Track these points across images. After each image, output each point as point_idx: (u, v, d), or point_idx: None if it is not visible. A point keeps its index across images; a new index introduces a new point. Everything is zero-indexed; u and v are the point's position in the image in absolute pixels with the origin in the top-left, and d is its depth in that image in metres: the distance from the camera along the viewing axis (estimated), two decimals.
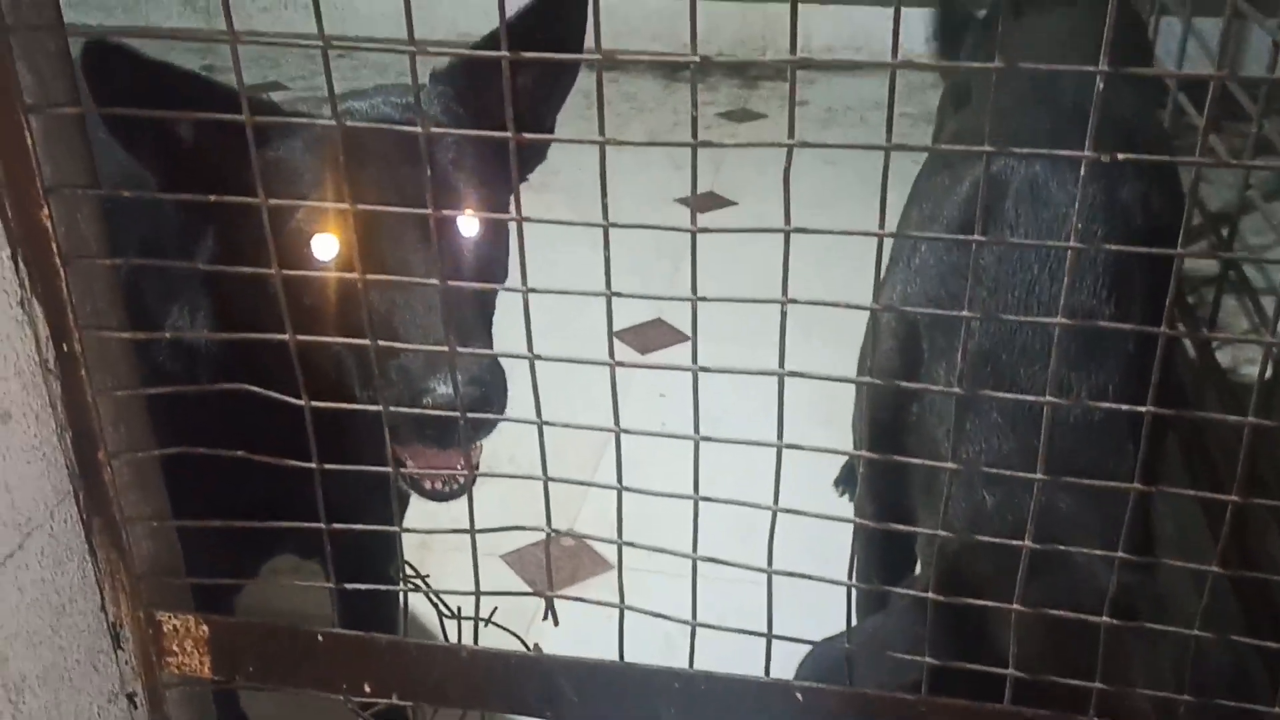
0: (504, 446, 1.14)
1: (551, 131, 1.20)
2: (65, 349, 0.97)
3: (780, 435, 0.93)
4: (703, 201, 3.73)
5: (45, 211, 0.92)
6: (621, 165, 0.87)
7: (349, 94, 1.21)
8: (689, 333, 2.34)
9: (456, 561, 1.12)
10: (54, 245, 0.94)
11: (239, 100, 1.05)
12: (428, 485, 1.08)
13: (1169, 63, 2.89)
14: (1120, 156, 0.80)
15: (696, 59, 0.82)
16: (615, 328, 0.95)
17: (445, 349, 0.90)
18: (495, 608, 1.17)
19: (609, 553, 2.18)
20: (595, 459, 2.31)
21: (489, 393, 1.00)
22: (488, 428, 1.01)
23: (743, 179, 3.66)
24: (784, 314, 0.89)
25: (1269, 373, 1.92)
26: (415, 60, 0.85)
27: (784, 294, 0.89)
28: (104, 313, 1.00)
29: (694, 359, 0.92)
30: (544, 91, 1.16)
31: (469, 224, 1.09)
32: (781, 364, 0.91)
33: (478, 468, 1.07)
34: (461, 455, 1.03)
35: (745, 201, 3.56)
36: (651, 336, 3.04)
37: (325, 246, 1.06)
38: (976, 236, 0.85)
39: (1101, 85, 0.77)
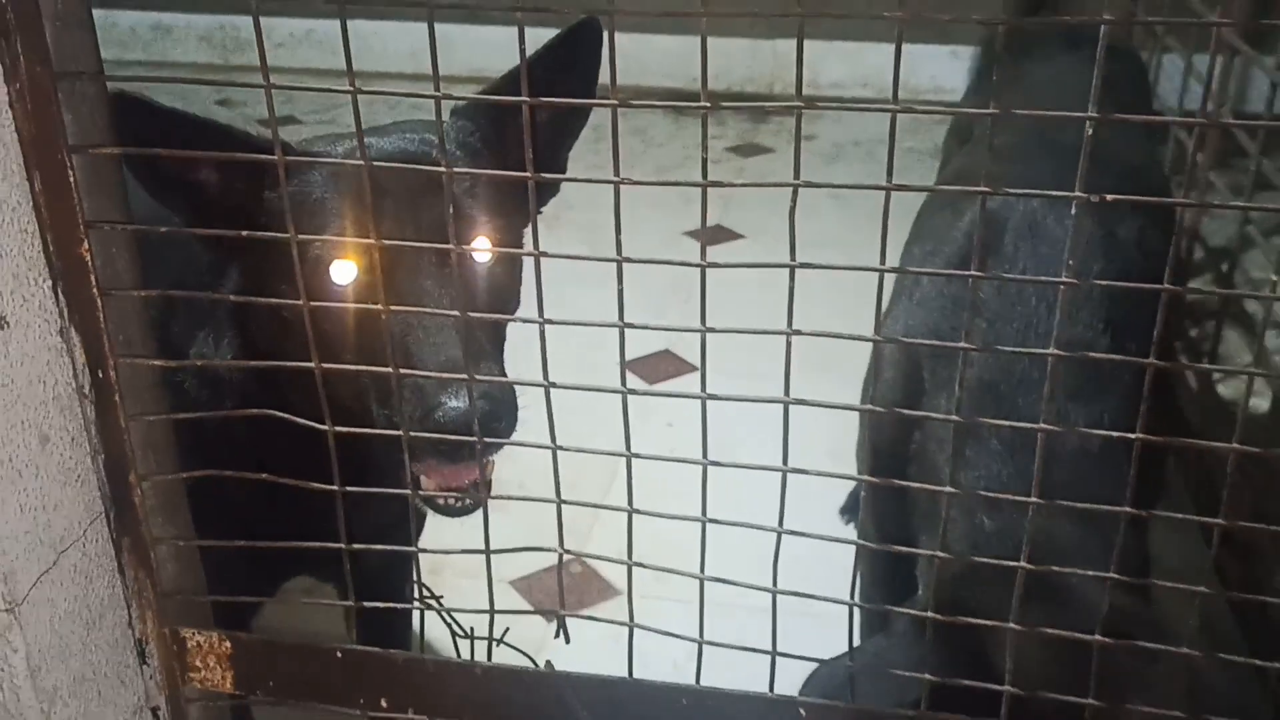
0: (515, 475, 1.19)
1: (564, 164, 1.25)
2: (100, 376, 1.01)
3: (785, 460, 0.97)
4: (711, 235, 3.78)
5: (85, 246, 0.97)
6: (632, 199, 0.91)
7: (368, 130, 1.26)
8: (697, 364, 2.38)
9: (467, 587, 1.16)
10: (92, 278, 0.98)
11: (253, 143, 1.11)
12: (442, 501, 1.12)
13: (1172, 100, 2.93)
14: (1110, 197, 0.85)
15: (707, 105, 0.87)
16: (625, 359, 1.00)
17: (461, 371, 0.95)
18: (507, 629, 1.21)
19: (617, 580, 2.21)
20: (605, 488, 2.35)
21: (500, 409, 1.04)
22: (499, 443, 1.06)
23: (751, 213, 3.71)
24: (789, 344, 0.93)
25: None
26: (440, 105, 0.90)
27: (789, 325, 0.93)
28: (136, 343, 1.05)
29: (703, 386, 0.96)
30: (558, 128, 1.21)
31: (482, 254, 1.14)
32: (786, 392, 0.95)
33: (490, 485, 1.11)
34: (475, 470, 1.08)
35: (753, 235, 3.61)
36: (660, 367, 3.08)
37: (344, 273, 1.11)
38: (974, 271, 0.89)
39: (1091, 130, 0.81)
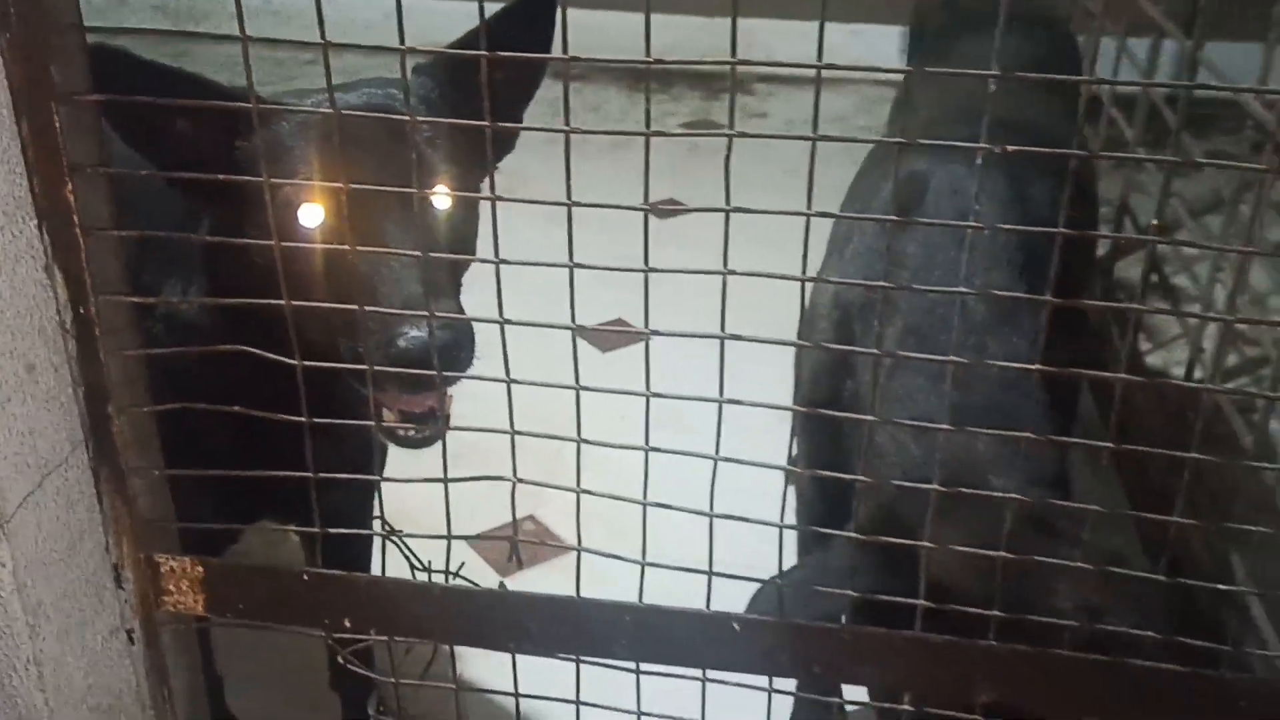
0: (471, 437, 1.26)
1: (518, 119, 1.33)
2: (82, 312, 1.08)
3: (721, 391, 1.06)
4: (664, 205, 3.87)
5: (69, 188, 1.03)
6: (585, 173, 0.99)
7: (335, 87, 1.33)
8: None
9: (421, 544, 1.24)
10: (75, 218, 1.05)
11: (226, 93, 1.18)
12: (402, 433, 1.19)
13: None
14: (1011, 149, 0.94)
15: (650, 61, 0.95)
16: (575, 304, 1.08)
17: (422, 305, 1.03)
18: (463, 563, 1.29)
19: (570, 537, 2.30)
20: (559, 447, 2.44)
21: (458, 339, 1.12)
22: (459, 370, 1.13)
23: (702, 187, 3.79)
24: (724, 284, 1.02)
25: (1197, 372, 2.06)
26: (405, 59, 0.98)
27: (725, 265, 1.02)
28: (114, 282, 1.11)
29: (645, 322, 1.04)
30: (514, 87, 1.29)
31: (441, 199, 1.22)
32: (722, 328, 1.03)
33: (448, 419, 1.18)
34: (434, 398, 1.15)
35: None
36: (614, 335, 3.16)
37: (312, 216, 1.18)
38: (897, 222, 0.99)
39: (993, 87, 0.91)
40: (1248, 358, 2.80)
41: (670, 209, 3.72)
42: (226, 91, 1.19)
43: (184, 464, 1.22)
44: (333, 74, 1.03)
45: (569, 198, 1.01)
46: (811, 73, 0.94)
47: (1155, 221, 1.04)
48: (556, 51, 1.03)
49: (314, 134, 1.19)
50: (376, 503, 1.41)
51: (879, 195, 1.51)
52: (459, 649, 1.37)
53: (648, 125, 0.99)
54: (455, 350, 1.12)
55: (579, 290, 1.04)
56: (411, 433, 1.20)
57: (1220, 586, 1.13)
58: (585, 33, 1.11)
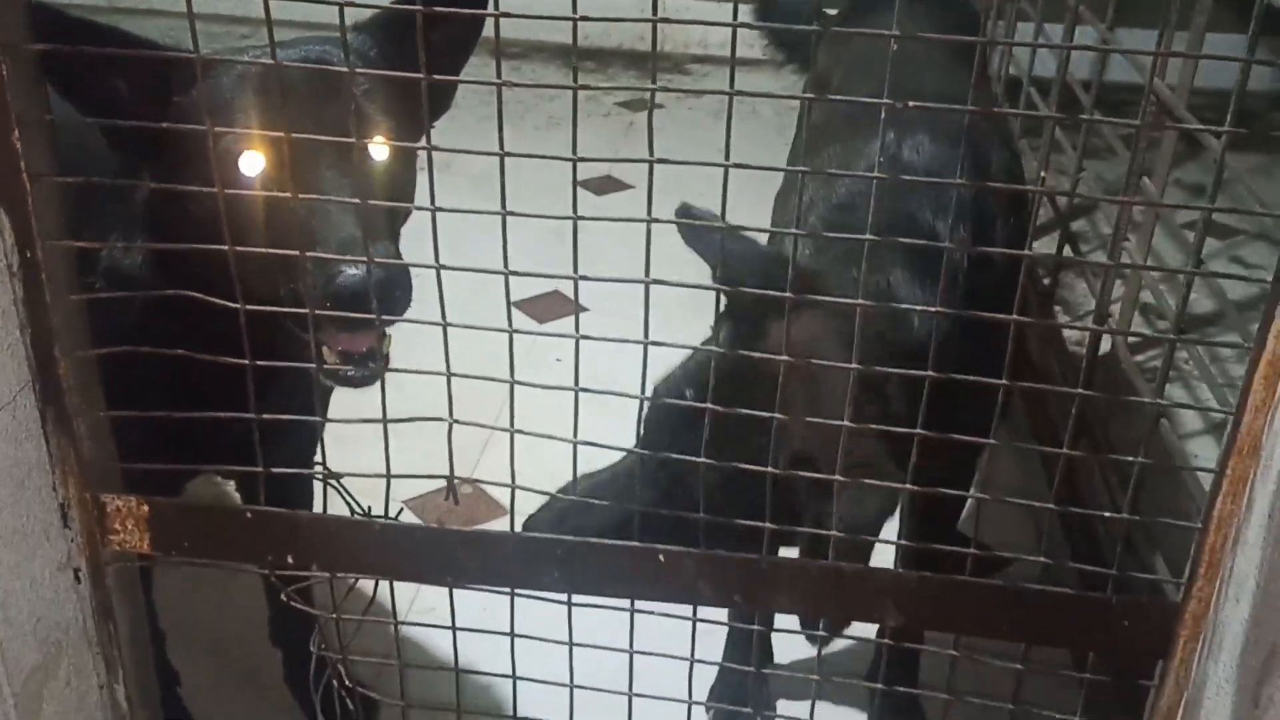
0: (410, 390, 1.31)
1: (454, 81, 1.38)
2: (29, 256, 1.11)
3: (646, 334, 1.13)
4: (601, 185, 3.93)
5: (15, 135, 1.07)
6: (522, 148, 1.05)
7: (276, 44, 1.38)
8: (584, 304, 2.55)
9: (361, 493, 1.29)
10: (21, 164, 1.08)
11: (162, 49, 1.22)
12: (342, 374, 1.24)
13: (1024, 65, 3.16)
14: (912, 104, 1.02)
15: (574, 16, 1.01)
16: (514, 299, 1.14)
17: (360, 248, 1.09)
18: (401, 508, 1.34)
19: (504, 499, 2.36)
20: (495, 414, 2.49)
21: (395, 276, 1.17)
22: (397, 311, 1.19)
23: (640, 166, 3.86)
24: (649, 231, 1.08)
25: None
26: (343, 11, 1.02)
27: (649, 213, 1.08)
28: (59, 228, 1.15)
29: (575, 268, 1.11)
30: (451, 47, 1.34)
31: (378, 150, 1.27)
32: (647, 273, 1.10)
33: (388, 359, 1.23)
34: (374, 339, 1.20)
35: (642, 184, 3.77)
36: (550, 307, 3.22)
37: (252, 164, 1.23)
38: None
39: (895, 46, 0.98)
40: (1157, 330, 2.94)
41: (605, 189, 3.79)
42: (164, 48, 1.22)
43: (125, 412, 1.26)
44: (275, 39, 1.07)
45: (501, 146, 1.07)
46: (747, 54, 1.00)
47: (1044, 174, 1.11)
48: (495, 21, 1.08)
49: (253, 85, 1.23)
50: (318, 450, 1.46)
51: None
52: (400, 589, 1.43)
53: (575, 80, 1.05)
54: (392, 289, 1.17)
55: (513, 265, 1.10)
56: (351, 372, 1.25)
57: (1106, 514, 1.22)
58: (520, 7, 1.18)
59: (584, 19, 1.01)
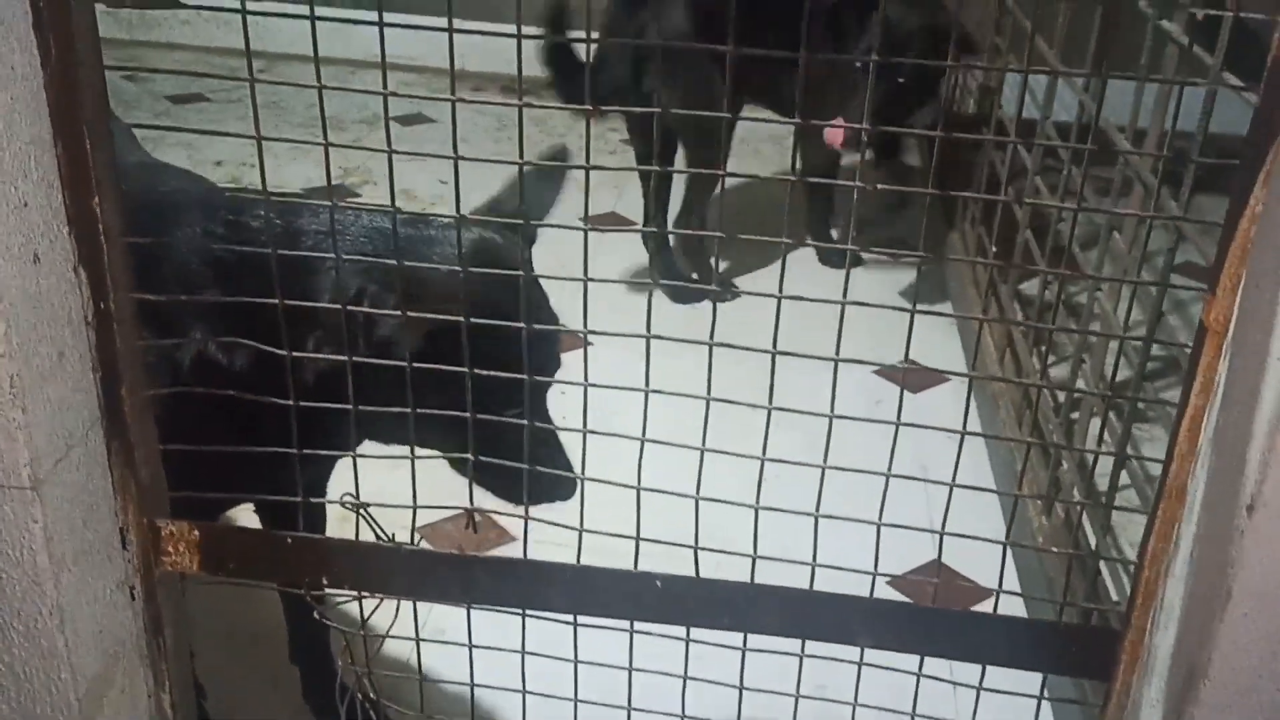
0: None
1: None
2: (102, 307, 1.26)
3: (649, 329, 1.27)
4: (605, 220, 4.08)
5: (95, 200, 1.22)
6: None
7: None
8: (591, 340, 2.69)
9: (385, 522, 1.43)
10: (100, 226, 1.23)
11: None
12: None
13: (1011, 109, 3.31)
14: None
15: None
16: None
17: None
18: (421, 537, 1.49)
19: (513, 528, 2.49)
20: None
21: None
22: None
23: (641, 209, 4.02)
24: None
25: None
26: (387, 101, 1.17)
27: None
28: (129, 282, 1.29)
29: (585, 271, 1.25)
30: None
31: None
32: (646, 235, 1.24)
33: None
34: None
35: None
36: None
37: None
38: None
39: None
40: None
41: (610, 229, 3.94)
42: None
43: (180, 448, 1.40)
44: (283, 91, 1.21)
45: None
46: None
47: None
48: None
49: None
50: (352, 479, 1.60)
51: None
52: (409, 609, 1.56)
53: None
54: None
55: None
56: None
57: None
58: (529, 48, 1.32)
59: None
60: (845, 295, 1.18)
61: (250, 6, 1.13)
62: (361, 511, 1.55)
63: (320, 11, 1.15)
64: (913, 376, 2.99)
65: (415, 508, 1.39)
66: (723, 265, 3.65)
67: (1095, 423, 2.26)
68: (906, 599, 2.16)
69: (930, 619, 1.33)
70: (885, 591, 2.19)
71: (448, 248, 1.43)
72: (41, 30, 1.13)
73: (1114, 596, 1.95)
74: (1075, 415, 2.32)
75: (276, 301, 1.26)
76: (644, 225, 3.65)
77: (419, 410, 1.29)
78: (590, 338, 1.28)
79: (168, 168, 1.81)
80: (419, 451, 1.37)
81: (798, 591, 1.32)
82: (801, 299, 1.20)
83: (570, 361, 1.47)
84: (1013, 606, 1.78)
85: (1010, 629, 1.31)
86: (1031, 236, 2.58)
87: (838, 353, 1.19)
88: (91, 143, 1.21)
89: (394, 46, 1.14)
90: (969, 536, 1.29)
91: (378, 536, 1.57)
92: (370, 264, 1.41)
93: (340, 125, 4.76)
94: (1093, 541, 2.00)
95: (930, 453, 1.95)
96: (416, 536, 1.46)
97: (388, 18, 1.12)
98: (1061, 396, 2.47)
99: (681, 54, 3.25)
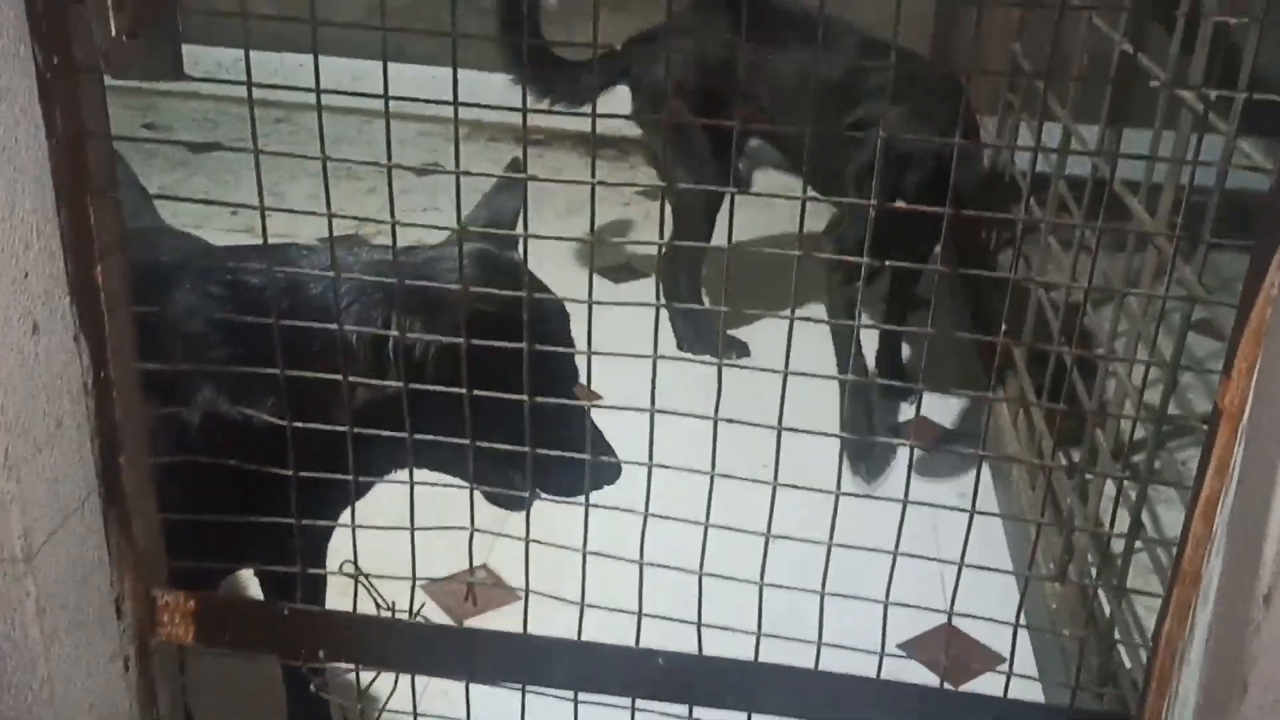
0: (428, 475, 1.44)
1: None
2: (102, 375, 1.25)
3: (650, 456, 1.25)
4: (618, 273, 4.08)
5: (97, 270, 1.21)
6: (540, 240, 1.20)
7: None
8: (598, 390, 2.66)
9: (386, 586, 1.41)
10: (101, 295, 1.22)
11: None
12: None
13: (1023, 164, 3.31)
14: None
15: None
16: None
17: None
18: (423, 604, 1.46)
19: (519, 583, 2.46)
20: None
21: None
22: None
23: (655, 252, 4.01)
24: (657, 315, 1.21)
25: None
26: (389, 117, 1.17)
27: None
28: (130, 351, 1.28)
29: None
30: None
31: None
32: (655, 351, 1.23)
33: None
34: None
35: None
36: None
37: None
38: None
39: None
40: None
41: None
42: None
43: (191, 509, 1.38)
44: (300, 135, 1.20)
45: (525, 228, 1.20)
46: None
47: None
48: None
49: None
50: (350, 547, 1.58)
51: None
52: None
53: (593, 173, 1.18)
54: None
55: None
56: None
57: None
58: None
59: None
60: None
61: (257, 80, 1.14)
62: (361, 579, 1.53)
63: (334, 62, 1.15)
64: (924, 432, 2.96)
65: (414, 579, 1.36)
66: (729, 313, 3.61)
67: (1111, 483, 2.23)
68: (917, 663, 2.12)
69: (940, 701, 1.30)
70: (895, 656, 2.15)
71: (451, 263, 1.43)
72: (48, 101, 1.13)
73: (1128, 664, 1.90)
74: (1090, 477, 2.28)
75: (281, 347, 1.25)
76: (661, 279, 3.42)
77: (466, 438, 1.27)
78: (598, 389, 1.26)
79: (166, 231, 1.81)
80: (421, 516, 1.34)
81: (803, 671, 1.29)
82: (812, 375, 1.19)
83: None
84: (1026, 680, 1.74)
85: (1023, 714, 1.27)
86: (1044, 296, 2.56)
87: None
88: (96, 212, 1.20)
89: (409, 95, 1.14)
90: (979, 618, 1.26)
91: (377, 605, 1.55)
92: (385, 292, 1.40)
93: (356, 175, 4.79)
94: (1107, 608, 1.96)
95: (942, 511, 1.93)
96: (418, 606, 1.44)
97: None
98: (1076, 454, 2.43)
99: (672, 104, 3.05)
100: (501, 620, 2.41)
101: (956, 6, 4.16)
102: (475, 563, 2.76)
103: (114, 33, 1.35)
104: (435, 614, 1.46)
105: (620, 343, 1.18)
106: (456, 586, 2.48)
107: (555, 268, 1.40)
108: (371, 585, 1.55)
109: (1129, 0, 2.15)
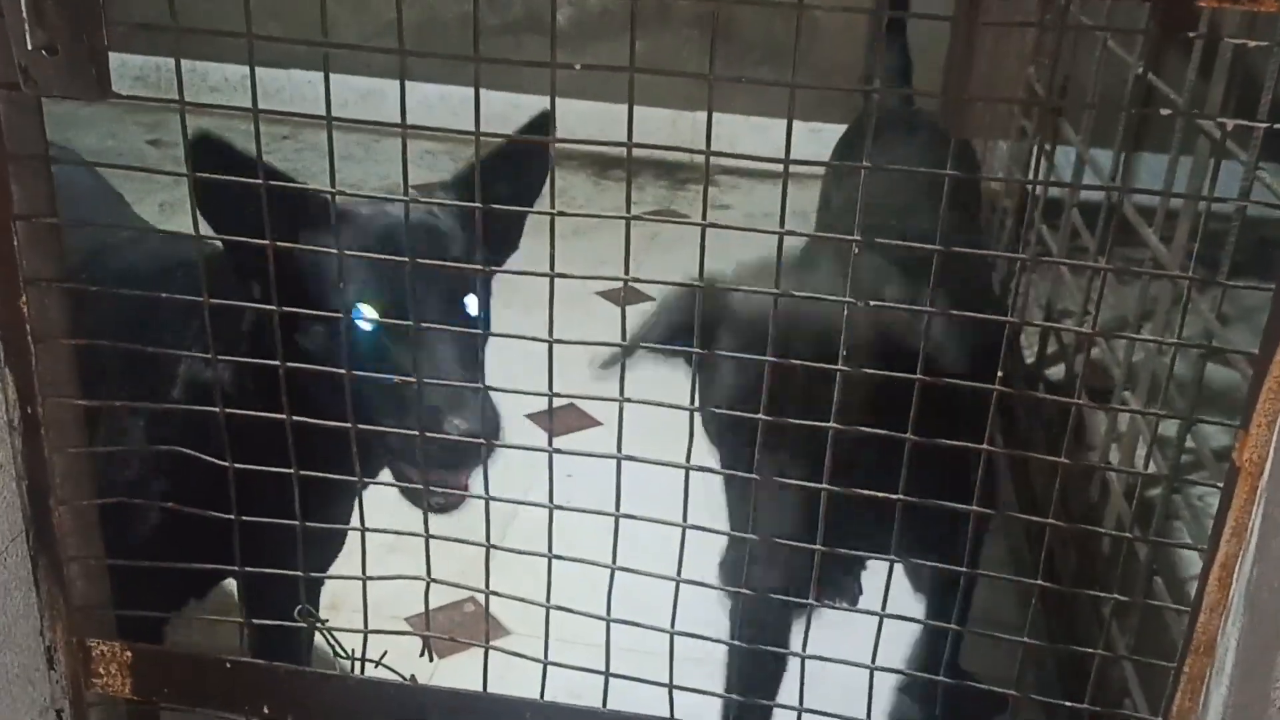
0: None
1: (521, 230, 1.50)
2: (29, 412, 1.16)
3: (617, 507, 1.15)
4: (626, 296, 4.00)
5: (22, 299, 1.13)
6: (545, 258, 1.12)
7: (380, 199, 1.47)
8: (600, 419, 2.59)
9: (359, 621, 1.32)
10: (27, 327, 1.14)
11: (306, 196, 1.32)
12: (435, 503, 1.32)
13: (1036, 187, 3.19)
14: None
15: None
16: (528, 412, 1.17)
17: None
18: (385, 651, 1.37)
19: (507, 621, 2.36)
20: (500, 534, 2.51)
21: (497, 423, 1.28)
22: (491, 453, 1.26)
23: (663, 275, 3.93)
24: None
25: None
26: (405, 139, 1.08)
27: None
28: (63, 384, 1.20)
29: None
30: (521, 197, 1.42)
31: (473, 305, 1.40)
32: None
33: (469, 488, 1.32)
34: (467, 475, 1.31)
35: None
36: (564, 421, 3.25)
37: (368, 311, 1.33)
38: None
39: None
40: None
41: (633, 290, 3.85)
42: (298, 187, 1.31)
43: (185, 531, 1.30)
44: (306, 155, 1.12)
45: (552, 268, 1.14)
46: (772, 167, 1.05)
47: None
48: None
49: (368, 242, 1.34)
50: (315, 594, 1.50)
51: None
52: None
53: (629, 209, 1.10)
54: (496, 435, 1.27)
55: (530, 379, 1.16)
56: (440, 500, 1.33)
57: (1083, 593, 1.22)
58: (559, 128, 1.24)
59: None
60: None
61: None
62: (319, 626, 1.44)
63: (341, 80, 1.08)
64: None
65: (366, 632, 1.27)
66: None
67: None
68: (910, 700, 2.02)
69: None
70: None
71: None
72: None
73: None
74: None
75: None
76: None
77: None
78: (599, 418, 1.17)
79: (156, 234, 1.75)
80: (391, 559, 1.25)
81: None
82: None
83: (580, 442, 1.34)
84: None
85: None
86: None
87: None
88: (22, 239, 1.12)
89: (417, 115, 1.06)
90: (973, 683, 1.16)
91: (335, 653, 1.46)
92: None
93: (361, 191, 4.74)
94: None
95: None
96: (378, 654, 1.34)
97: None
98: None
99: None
100: (472, 664, 2.31)
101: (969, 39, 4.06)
102: (463, 597, 2.67)
103: (30, 47, 1.26)
104: (407, 655, 1.37)
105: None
106: (440, 618, 2.38)
107: (558, 294, 1.31)
108: (329, 633, 1.46)
109: (1145, 23, 2.05)
